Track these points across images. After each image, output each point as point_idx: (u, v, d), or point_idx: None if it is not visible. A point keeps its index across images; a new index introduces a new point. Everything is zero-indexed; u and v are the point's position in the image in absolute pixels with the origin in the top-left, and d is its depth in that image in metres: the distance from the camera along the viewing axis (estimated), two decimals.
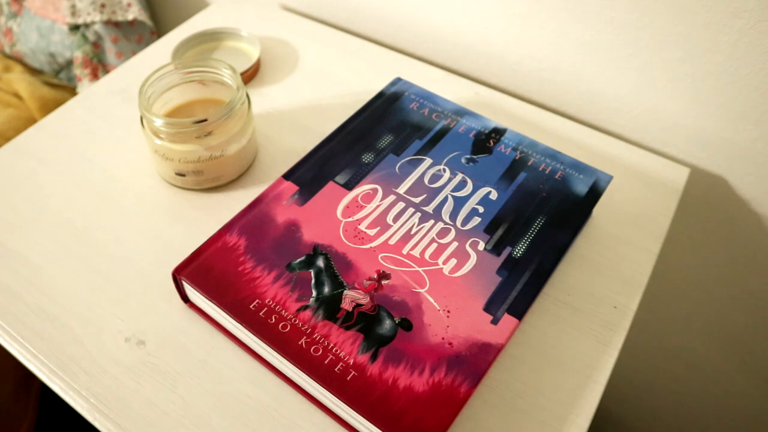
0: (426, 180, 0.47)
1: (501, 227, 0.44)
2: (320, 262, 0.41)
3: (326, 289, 0.40)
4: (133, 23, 0.90)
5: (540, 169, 0.48)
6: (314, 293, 0.40)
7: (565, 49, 0.57)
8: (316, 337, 0.38)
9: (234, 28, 0.63)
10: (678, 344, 0.76)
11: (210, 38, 0.64)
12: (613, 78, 0.57)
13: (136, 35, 0.91)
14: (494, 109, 0.60)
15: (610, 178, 0.48)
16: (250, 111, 0.50)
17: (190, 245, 0.48)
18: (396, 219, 0.44)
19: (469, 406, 0.40)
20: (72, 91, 0.94)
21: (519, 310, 0.40)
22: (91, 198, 0.51)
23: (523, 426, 0.39)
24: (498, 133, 0.51)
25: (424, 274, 0.41)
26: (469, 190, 0.46)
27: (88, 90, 0.60)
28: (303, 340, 0.37)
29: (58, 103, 0.88)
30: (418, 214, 0.45)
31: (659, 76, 0.54)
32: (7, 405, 0.75)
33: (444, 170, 0.48)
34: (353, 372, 0.36)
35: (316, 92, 0.61)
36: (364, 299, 0.40)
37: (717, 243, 0.62)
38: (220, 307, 0.39)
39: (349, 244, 0.43)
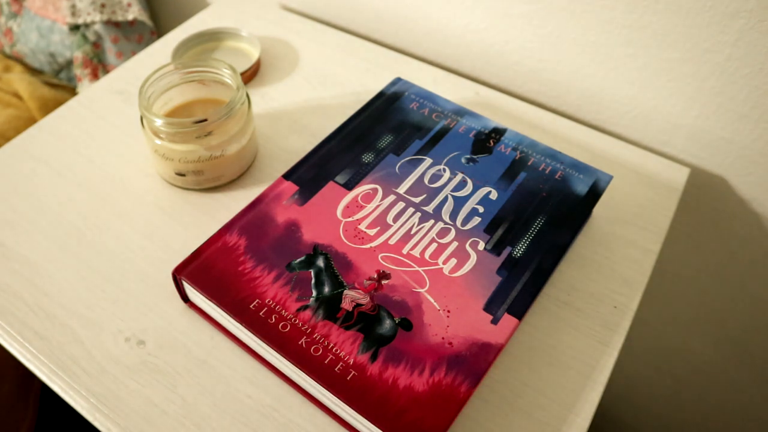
0: (426, 180, 0.47)
1: (501, 227, 0.44)
2: (320, 262, 0.41)
3: (326, 289, 0.40)
4: (133, 23, 0.90)
5: (540, 169, 0.48)
6: (314, 293, 0.40)
7: (565, 49, 0.57)
8: (316, 337, 0.38)
9: (234, 28, 0.63)
10: (678, 344, 0.76)
11: (210, 38, 0.64)
12: (613, 78, 0.57)
13: (136, 35, 0.91)
14: (494, 109, 0.60)
15: (610, 178, 0.48)
16: (250, 111, 0.50)
17: (190, 245, 0.48)
18: (396, 219, 0.44)
19: (469, 406, 0.40)
20: (72, 91, 0.94)
21: (519, 310, 0.40)
22: (91, 198, 0.51)
23: (523, 426, 0.39)
24: (498, 133, 0.51)
25: (424, 274, 0.41)
26: (469, 190, 0.46)
27: (88, 90, 0.60)
28: (303, 340, 0.37)
29: (58, 103, 0.88)
30: (418, 214, 0.45)
31: (659, 76, 0.54)
32: (7, 405, 0.75)
33: (444, 170, 0.48)
34: (353, 372, 0.36)
35: (316, 92, 0.61)
36: (364, 299, 0.40)
37: (717, 243, 0.62)
38: (220, 307, 0.39)
39: (349, 244, 0.43)
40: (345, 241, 0.43)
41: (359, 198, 0.45)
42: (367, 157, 0.48)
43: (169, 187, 0.52)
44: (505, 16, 0.59)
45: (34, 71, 0.96)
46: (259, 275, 0.40)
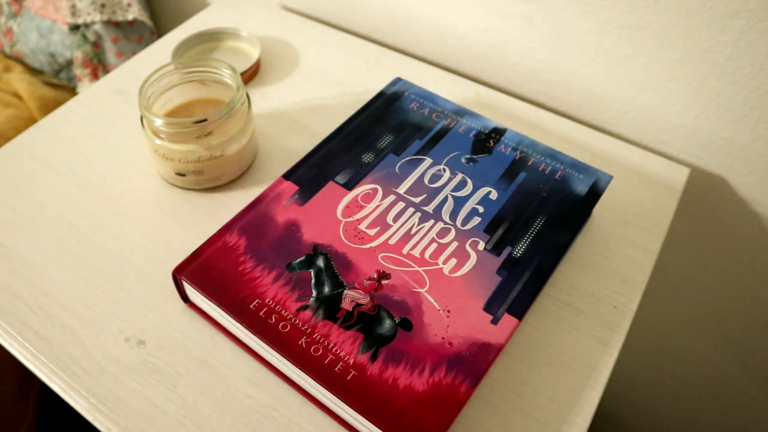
0: (426, 180, 0.47)
1: (501, 227, 0.44)
2: (320, 262, 0.41)
3: (326, 289, 0.40)
4: (133, 23, 0.90)
5: (540, 169, 0.48)
6: (314, 293, 0.40)
7: (565, 49, 0.57)
8: (316, 337, 0.38)
9: (234, 28, 0.63)
10: (678, 344, 0.76)
11: (210, 38, 0.64)
12: (613, 78, 0.57)
13: (136, 35, 0.91)
14: (494, 109, 0.60)
15: (610, 178, 0.48)
16: (250, 111, 0.50)
17: (190, 245, 0.48)
18: (396, 219, 0.44)
19: (469, 406, 0.40)
20: (72, 91, 0.94)
21: (519, 310, 0.40)
22: (91, 198, 0.51)
23: (523, 426, 0.39)
24: (498, 133, 0.51)
25: (424, 274, 0.41)
26: (469, 190, 0.46)
27: (88, 90, 0.60)
28: (303, 340, 0.37)
29: (58, 103, 0.88)
30: (418, 214, 0.45)
31: (659, 76, 0.54)
32: (7, 405, 0.75)
33: (444, 170, 0.48)
34: (353, 372, 0.36)
35: (316, 92, 0.61)
36: (364, 299, 0.40)
37: (717, 243, 0.62)
38: (220, 307, 0.39)
39: (349, 244, 0.43)
40: (345, 241, 0.43)
41: (359, 198, 0.45)
42: (367, 157, 0.48)
43: (169, 187, 0.52)
44: (505, 16, 0.59)
45: (34, 71, 0.96)
46: (259, 275, 0.40)
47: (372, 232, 0.43)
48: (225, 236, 0.43)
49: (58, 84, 0.94)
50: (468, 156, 0.49)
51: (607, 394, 0.92)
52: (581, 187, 0.47)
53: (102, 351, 0.41)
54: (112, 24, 0.88)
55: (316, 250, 0.42)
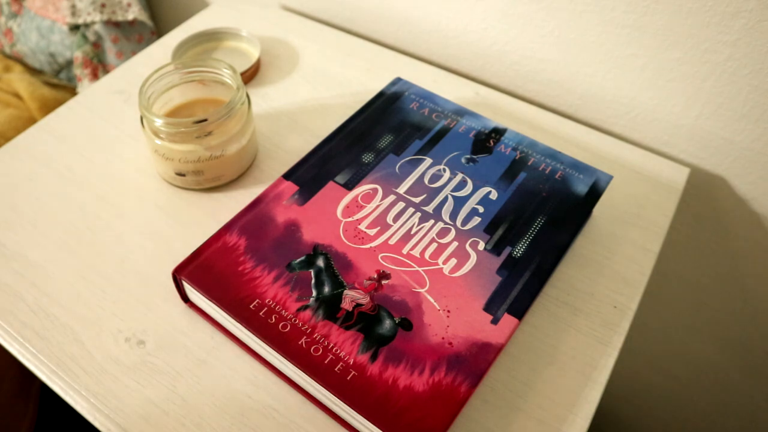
0: (426, 180, 0.47)
1: (501, 227, 0.44)
2: (320, 262, 0.41)
3: (326, 289, 0.40)
4: (133, 23, 0.90)
5: (540, 169, 0.48)
6: (314, 293, 0.40)
7: (565, 49, 0.57)
8: (316, 337, 0.38)
9: (234, 28, 0.63)
10: (678, 344, 0.76)
11: (210, 38, 0.64)
12: (614, 78, 0.57)
13: (136, 35, 0.91)
14: (494, 109, 0.60)
15: (610, 178, 0.48)
16: (250, 111, 0.50)
17: (190, 245, 0.48)
18: (396, 219, 0.44)
19: (469, 406, 0.40)
20: (72, 91, 0.94)
21: (519, 310, 0.40)
22: (91, 198, 0.51)
23: (523, 426, 0.39)
24: (498, 133, 0.51)
25: (424, 274, 0.41)
26: (469, 190, 0.46)
27: (88, 90, 0.60)
28: (303, 340, 0.37)
29: (58, 103, 0.88)
30: (418, 214, 0.45)
31: (659, 76, 0.54)
32: (7, 405, 0.75)
33: (444, 170, 0.48)
34: (353, 372, 0.36)
35: (316, 92, 0.61)
36: (364, 299, 0.40)
37: (717, 243, 0.62)
38: (220, 307, 0.39)
39: (349, 244, 0.43)
40: (345, 241, 0.43)
41: (359, 198, 0.45)
42: (367, 157, 0.48)
43: (169, 187, 0.52)
44: (505, 16, 0.59)
45: (34, 71, 0.96)
46: (259, 275, 0.40)
47: (372, 232, 0.43)
48: (225, 236, 0.43)
49: (58, 84, 0.94)
50: (468, 156, 0.49)
51: (607, 394, 0.92)
52: (581, 187, 0.47)
53: (102, 351, 0.41)
54: (112, 24, 0.88)
55: (316, 250, 0.42)
